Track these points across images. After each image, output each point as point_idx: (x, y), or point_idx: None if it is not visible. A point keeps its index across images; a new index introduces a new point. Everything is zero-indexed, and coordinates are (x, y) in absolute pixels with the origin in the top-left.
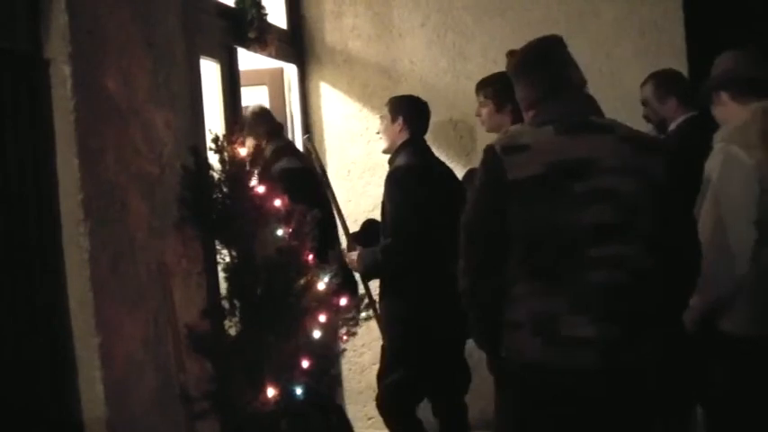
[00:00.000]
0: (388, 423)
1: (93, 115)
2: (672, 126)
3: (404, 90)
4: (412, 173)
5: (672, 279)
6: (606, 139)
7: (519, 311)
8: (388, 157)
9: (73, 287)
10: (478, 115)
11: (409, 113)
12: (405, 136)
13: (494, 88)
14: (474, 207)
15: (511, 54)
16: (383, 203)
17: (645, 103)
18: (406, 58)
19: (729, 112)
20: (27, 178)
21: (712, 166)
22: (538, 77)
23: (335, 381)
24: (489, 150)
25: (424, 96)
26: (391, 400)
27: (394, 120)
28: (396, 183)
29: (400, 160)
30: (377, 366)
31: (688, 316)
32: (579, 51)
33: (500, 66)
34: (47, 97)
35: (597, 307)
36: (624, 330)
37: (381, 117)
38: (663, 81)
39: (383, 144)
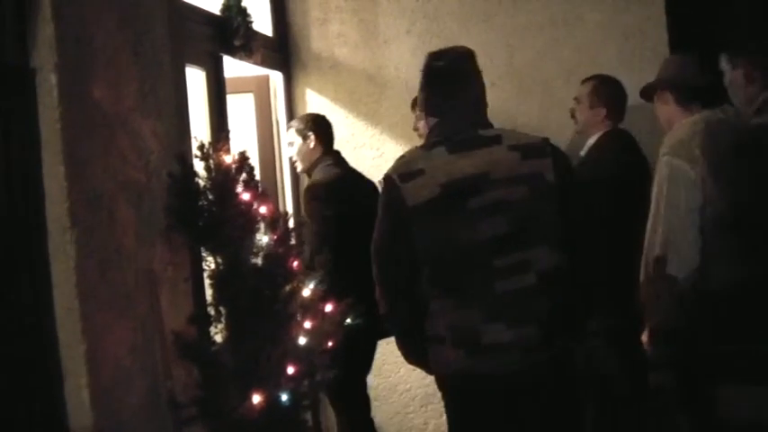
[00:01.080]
0: (338, 420)
1: (80, 124)
2: (592, 138)
3: (390, 96)
4: (330, 187)
5: (577, 276)
6: (494, 152)
7: (438, 327)
8: (374, 161)
9: (60, 294)
10: (415, 129)
11: (318, 129)
12: (319, 151)
13: None
14: (381, 236)
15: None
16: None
17: (577, 100)
18: (392, 64)
19: (672, 112)
20: (14, 186)
21: (659, 179)
22: (433, 93)
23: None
24: (388, 180)
25: (409, 103)
26: (336, 398)
27: (305, 138)
28: (314, 199)
29: (317, 174)
30: None
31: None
32: (564, 57)
33: (486, 72)
34: (33, 107)
35: (509, 313)
36: (539, 330)
37: (289, 143)
38: (603, 87)
39: (300, 165)
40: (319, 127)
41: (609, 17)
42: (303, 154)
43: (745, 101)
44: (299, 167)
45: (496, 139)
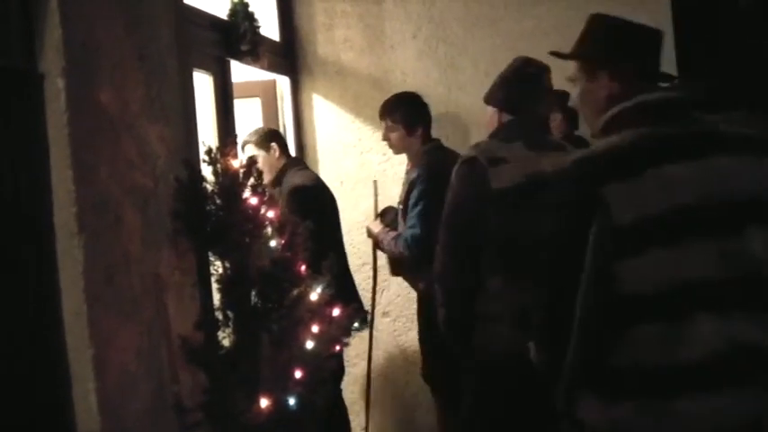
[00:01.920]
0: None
1: (87, 129)
2: None
3: None
4: (314, 187)
5: None
6: (563, 157)
7: (497, 305)
8: (380, 165)
9: (67, 299)
10: (386, 140)
11: (278, 139)
12: (283, 160)
13: (402, 112)
14: (457, 213)
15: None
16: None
17: None
18: (398, 69)
19: None
20: (22, 191)
21: None
22: (518, 93)
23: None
24: (474, 161)
25: None
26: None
27: (268, 150)
28: (304, 199)
29: (295, 179)
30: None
31: None
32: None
33: (492, 77)
34: (41, 111)
35: None
36: None
37: (251, 157)
38: (556, 97)
39: (266, 177)
40: (278, 137)
41: None
42: (269, 165)
43: (597, 115)
44: (266, 180)
45: (562, 146)
